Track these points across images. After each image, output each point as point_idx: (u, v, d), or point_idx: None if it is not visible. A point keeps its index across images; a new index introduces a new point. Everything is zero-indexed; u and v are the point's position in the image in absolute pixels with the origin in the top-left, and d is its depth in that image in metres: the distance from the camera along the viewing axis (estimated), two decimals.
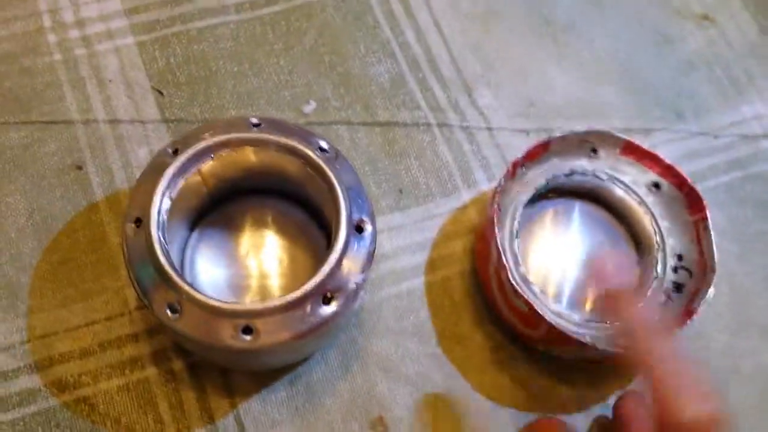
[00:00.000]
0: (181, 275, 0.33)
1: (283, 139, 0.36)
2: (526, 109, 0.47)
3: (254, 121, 0.37)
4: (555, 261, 0.42)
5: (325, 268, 0.34)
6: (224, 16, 0.47)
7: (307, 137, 0.37)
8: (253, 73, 0.46)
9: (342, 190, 0.35)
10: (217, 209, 0.41)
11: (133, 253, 0.34)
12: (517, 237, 0.40)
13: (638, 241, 0.43)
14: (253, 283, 0.40)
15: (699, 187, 0.46)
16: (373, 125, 0.45)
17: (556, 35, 0.50)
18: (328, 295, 0.34)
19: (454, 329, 0.42)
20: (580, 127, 0.47)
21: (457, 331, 0.42)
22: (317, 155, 0.36)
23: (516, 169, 0.40)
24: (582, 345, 0.36)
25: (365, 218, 0.36)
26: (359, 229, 0.35)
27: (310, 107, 0.45)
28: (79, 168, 0.42)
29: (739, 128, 0.49)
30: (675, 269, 0.41)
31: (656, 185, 0.42)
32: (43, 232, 0.41)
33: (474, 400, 0.40)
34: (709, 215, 0.40)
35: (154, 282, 0.33)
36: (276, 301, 0.33)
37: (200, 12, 0.47)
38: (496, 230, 0.38)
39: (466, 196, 0.45)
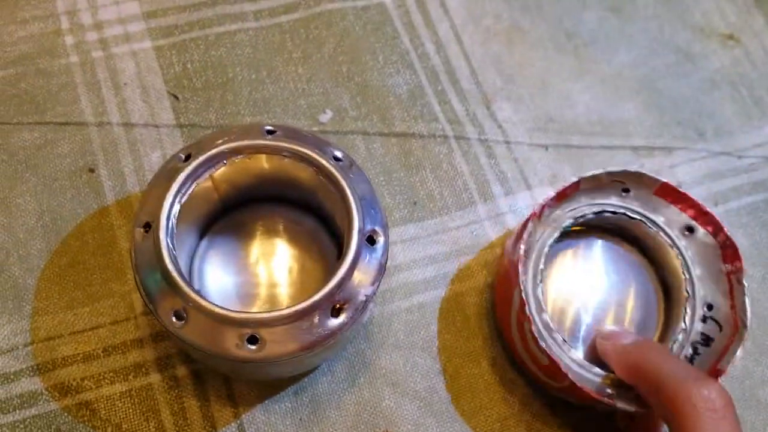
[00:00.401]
0: (188, 282, 0.33)
1: (297, 147, 0.35)
2: (545, 124, 0.47)
3: (269, 128, 0.36)
4: (578, 302, 0.40)
5: (335, 279, 0.33)
6: (243, 22, 0.47)
7: (321, 146, 0.36)
8: (271, 80, 0.45)
9: (355, 200, 0.35)
10: (228, 216, 0.40)
11: (140, 258, 0.34)
12: (541, 282, 0.38)
13: (667, 285, 0.40)
14: (262, 291, 0.39)
15: (721, 209, 0.46)
16: (389, 136, 0.45)
17: (578, 50, 0.49)
18: (337, 306, 0.33)
19: (465, 346, 0.41)
20: (600, 142, 0.46)
21: (469, 348, 0.41)
22: (331, 164, 0.35)
23: (543, 210, 0.39)
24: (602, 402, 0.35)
25: (378, 229, 0.35)
26: (371, 240, 0.35)
27: (326, 116, 0.45)
28: (92, 171, 0.42)
29: (763, 150, 0.48)
30: (704, 319, 0.38)
31: (690, 229, 0.39)
32: (52, 234, 0.40)
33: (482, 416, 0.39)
34: (744, 267, 0.37)
35: (161, 288, 0.33)
36: (283, 311, 0.32)
37: (219, 18, 0.46)
38: (521, 277, 0.36)
39: (482, 209, 0.44)
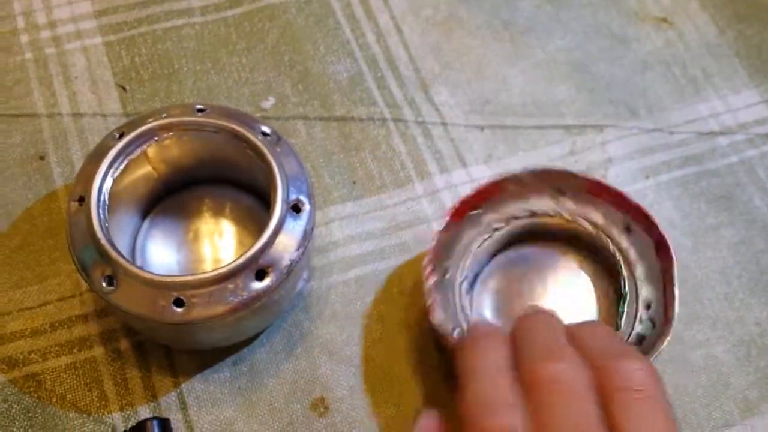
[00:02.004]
0: (118, 250, 0.34)
1: (225, 123, 0.37)
2: (481, 107, 0.48)
3: (199, 107, 0.38)
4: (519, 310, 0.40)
5: (258, 244, 0.35)
6: (189, 17, 0.49)
7: (250, 123, 0.38)
8: (215, 71, 0.48)
9: (280, 170, 0.36)
10: (170, 197, 0.42)
11: (74, 229, 0.35)
12: (471, 289, 0.39)
13: (612, 287, 0.41)
14: (203, 267, 0.41)
15: (652, 182, 0.47)
16: (329, 120, 0.47)
17: (514, 38, 0.51)
18: (262, 270, 0.35)
19: (400, 316, 0.42)
20: (533, 122, 0.48)
21: (404, 317, 0.42)
22: (258, 139, 0.37)
23: (466, 208, 0.39)
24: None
25: (303, 198, 0.37)
26: (296, 208, 0.37)
27: (268, 103, 0.47)
28: (42, 158, 0.44)
29: (696, 126, 0.49)
30: (641, 320, 0.39)
31: (628, 228, 0.40)
32: (3, 219, 0.42)
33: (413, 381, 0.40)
34: (675, 264, 0.37)
35: (93, 256, 0.35)
36: (207, 274, 0.34)
37: (166, 14, 0.49)
38: (429, 281, 0.38)
39: (419, 187, 0.46)
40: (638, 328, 0.38)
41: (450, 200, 0.45)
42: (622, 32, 0.52)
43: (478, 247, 0.40)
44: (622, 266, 0.39)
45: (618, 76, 0.50)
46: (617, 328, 0.39)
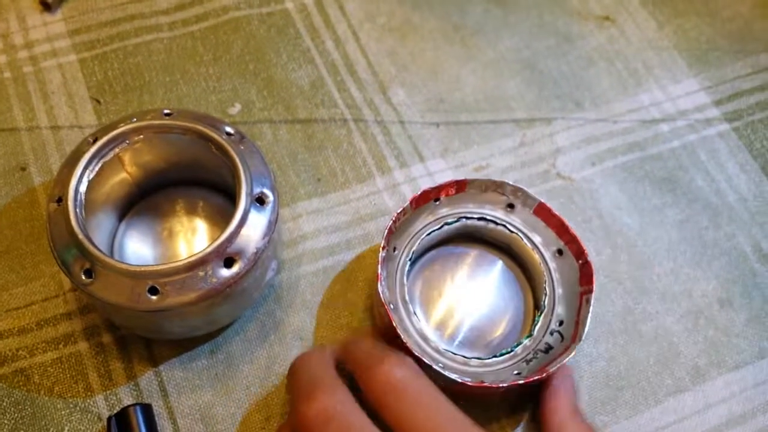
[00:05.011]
0: (95, 244, 0.37)
1: (190, 124, 0.40)
2: (436, 105, 0.52)
3: (167, 111, 0.41)
4: (461, 308, 0.44)
5: (225, 234, 0.37)
6: (158, 33, 0.52)
7: (214, 123, 0.41)
8: (184, 81, 0.50)
9: (243, 166, 0.39)
10: (145, 200, 0.45)
11: (54, 228, 0.38)
12: (412, 263, 0.43)
13: (535, 299, 0.44)
14: None
15: (598, 169, 0.50)
16: (293, 122, 0.50)
17: (464, 40, 0.54)
18: (230, 258, 0.38)
19: (366, 302, 0.45)
20: (486, 117, 0.51)
21: (369, 304, 0.45)
22: (222, 138, 0.40)
23: (427, 197, 0.43)
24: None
25: (266, 191, 0.40)
26: (261, 201, 0.39)
27: (235, 109, 0.50)
28: (23, 169, 0.47)
29: (638, 114, 0.53)
30: (552, 332, 0.42)
31: (560, 252, 0.43)
32: None
33: None
34: (594, 289, 0.41)
35: (72, 252, 0.37)
36: (178, 263, 0.37)
37: (136, 30, 0.52)
38: (381, 252, 0.40)
39: (380, 181, 0.48)
40: (548, 338, 0.42)
41: (410, 192, 0.48)
42: (567, 31, 0.56)
43: (427, 234, 0.43)
44: (546, 284, 0.43)
45: (564, 72, 0.54)
46: (530, 333, 0.42)
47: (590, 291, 0.41)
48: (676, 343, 0.45)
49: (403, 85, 0.52)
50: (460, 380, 0.38)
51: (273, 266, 0.42)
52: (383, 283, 0.41)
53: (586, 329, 0.40)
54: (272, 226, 0.39)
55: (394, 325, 0.38)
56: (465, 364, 0.41)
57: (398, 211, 0.42)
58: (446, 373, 0.38)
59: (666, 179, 0.50)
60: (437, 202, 0.44)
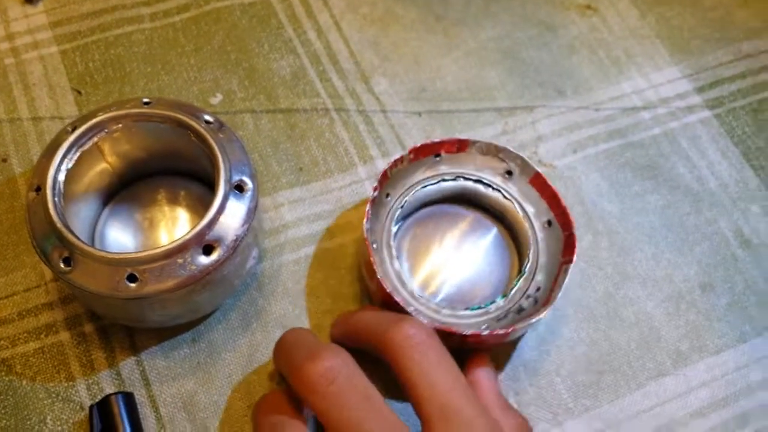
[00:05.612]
0: (74, 233, 0.37)
1: (169, 112, 0.40)
2: (418, 94, 0.52)
3: (146, 100, 0.41)
4: (447, 268, 0.45)
5: (204, 221, 0.37)
6: (139, 24, 0.52)
7: (193, 112, 0.41)
8: (165, 72, 0.50)
9: (222, 154, 0.39)
10: (126, 189, 0.45)
11: (33, 217, 0.38)
12: (405, 216, 0.43)
13: (520, 265, 0.45)
14: None
15: (579, 156, 0.50)
16: (275, 112, 0.50)
17: (446, 30, 0.55)
18: (209, 245, 0.38)
19: (348, 289, 0.45)
20: (467, 106, 0.51)
21: (350, 291, 0.45)
22: (201, 126, 0.40)
23: (427, 151, 0.43)
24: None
25: (246, 179, 0.40)
26: (240, 188, 0.39)
27: (217, 99, 0.50)
28: (4, 160, 0.47)
29: (620, 102, 0.53)
30: (527, 297, 0.43)
31: (549, 222, 0.44)
32: None
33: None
34: (575, 260, 0.42)
35: (51, 240, 0.37)
36: (157, 250, 0.37)
37: (117, 22, 0.52)
38: (372, 193, 0.41)
39: (362, 170, 0.49)
40: (523, 301, 0.43)
41: None
42: (549, 20, 0.56)
43: (423, 187, 0.44)
44: (531, 251, 0.44)
45: (546, 61, 0.54)
46: (506, 294, 0.43)
47: (570, 261, 0.42)
48: (658, 328, 0.46)
49: (385, 74, 0.52)
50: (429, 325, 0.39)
51: (254, 254, 0.43)
52: (369, 220, 0.41)
53: (560, 294, 0.41)
54: (252, 213, 0.39)
55: (372, 260, 0.39)
56: (437, 312, 0.42)
57: (396, 158, 0.42)
58: (419, 318, 0.39)
59: (647, 166, 0.51)
60: (437, 158, 0.45)
